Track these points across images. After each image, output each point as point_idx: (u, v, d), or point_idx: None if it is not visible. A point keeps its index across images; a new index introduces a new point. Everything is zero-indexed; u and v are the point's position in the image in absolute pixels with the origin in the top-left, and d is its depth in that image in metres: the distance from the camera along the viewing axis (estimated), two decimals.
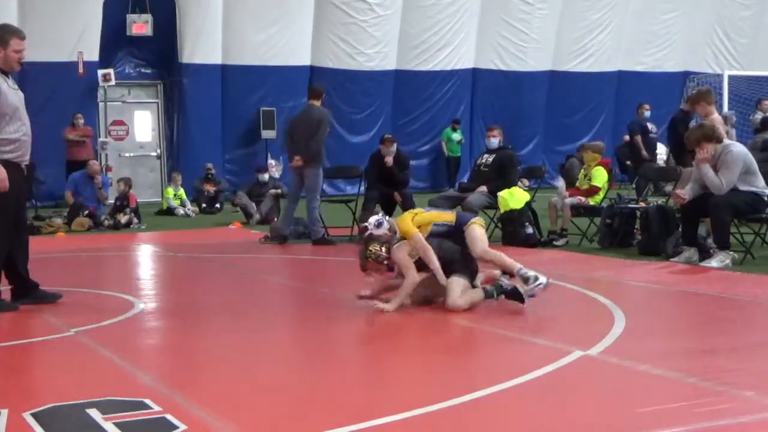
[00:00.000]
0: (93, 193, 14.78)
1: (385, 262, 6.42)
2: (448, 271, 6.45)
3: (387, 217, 6.64)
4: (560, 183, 11.22)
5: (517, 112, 22.62)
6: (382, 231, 6.44)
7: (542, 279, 6.46)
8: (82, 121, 17.88)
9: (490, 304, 6.43)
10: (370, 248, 6.39)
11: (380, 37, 21.49)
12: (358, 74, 21.46)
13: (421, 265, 6.52)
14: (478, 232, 6.63)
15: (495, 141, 11.42)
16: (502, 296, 6.42)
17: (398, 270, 6.53)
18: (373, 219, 6.54)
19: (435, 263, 6.44)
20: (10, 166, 6.41)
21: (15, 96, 6.50)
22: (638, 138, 16.56)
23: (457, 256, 6.57)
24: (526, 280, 6.47)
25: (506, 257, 6.70)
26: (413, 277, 6.39)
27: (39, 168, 15.22)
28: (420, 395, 4.18)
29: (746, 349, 5.04)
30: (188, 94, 20.09)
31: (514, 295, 6.38)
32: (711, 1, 24.45)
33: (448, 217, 6.75)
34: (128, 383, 4.56)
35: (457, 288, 6.36)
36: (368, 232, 6.43)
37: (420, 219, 6.63)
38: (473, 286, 6.50)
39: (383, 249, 6.38)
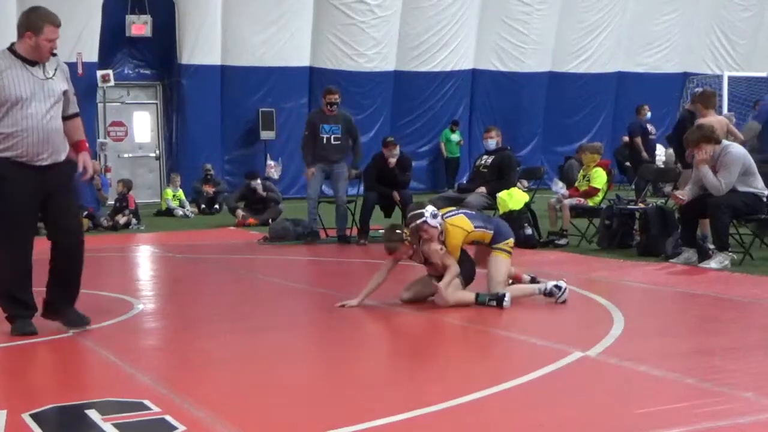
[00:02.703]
0: (92, 194, 14.77)
1: (407, 243, 6.53)
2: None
3: (441, 215, 6.66)
4: (560, 188, 11.20)
5: (516, 113, 22.64)
6: (436, 223, 6.50)
7: (563, 286, 6.62)
8: None
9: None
10: (407, 235, 6.50)
11: (380, 38, 21.49)
12: (358, 75, 21.46)
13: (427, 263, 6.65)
14: (503, 264, 6.62)
15: (492, 142, 11.43)
16: (494, 302, 6.42)
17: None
18: (430, 208, 6.57)
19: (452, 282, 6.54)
20: (16, 165, 5.62)
21: (31, 86, 5.65)
22: (638, 140, 16.56)
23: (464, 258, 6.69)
24: (550, 294, 6.59)
25: (526, 287, 6.79)
26: (458, 267, 6.49)
27: None
28: (420, 396, 4.18)
29: (745, 350, 5.04)
30: (187, 94, 20.09)
31: (498, 301, 6.43)
32: (710, 2, 24.46)
33: (486, 238, 6.74)
34: (127, 384, 4.56)
35: (455, 286, 6.46)
36: (423, 219, 6.44)
37: (472, 237, 6.67)
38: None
39: (406, 233, 6.53)
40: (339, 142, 11.46)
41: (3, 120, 5.61)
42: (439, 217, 6.55)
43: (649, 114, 17.21)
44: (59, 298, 5.85)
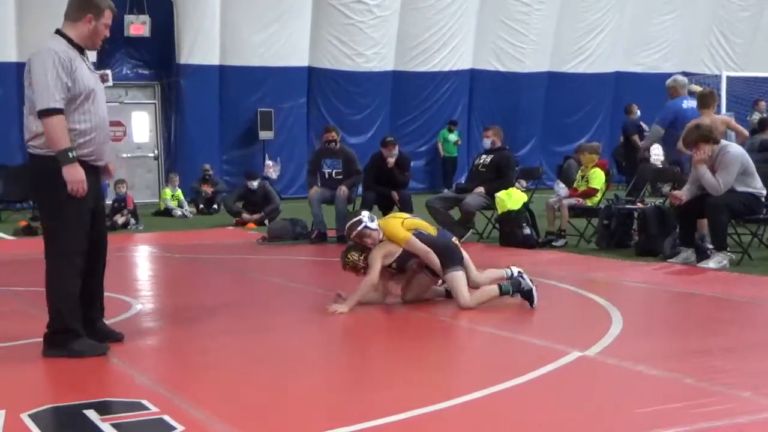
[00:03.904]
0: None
1: (362, 270, 6.53)
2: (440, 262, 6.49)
3: (375, 218, 6.69)
4: (562, 189, 11.21)
5: (514, 113, 22.63)
6: (375, 226, 6.53)
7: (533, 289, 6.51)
8: None
9: (490, 304, 6.44)
10: (348, 257, 6.56)
11: (378, 38, 21.49)
12: (357, 75, 21.46)
13: (403, 266, 6.59)
14: (461, 284, 6.41)
15: (488, 141, 11.46)
16: (518, 294, 6.39)
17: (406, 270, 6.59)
18: (366, 212, 6.61)
19: (436, 263, 6.46)
20: (84, 167, 5.06)
21: (93, 78, 5.20)
22: (636, 137, 16.51)
23: (449, 245, 6.58)
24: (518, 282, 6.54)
25: (488, 293, 6.53)
26: (372, 279, 6.42)
27: None
28: (419, 395, 4.18)
29: (744, 350, 5.05)
30: (186, 94, 20.08)
31: (527, 295, 6.37)
32: (708, 2, 24.47)
33: (431, 230, 6.81)
34: (126, 384, 4.57)
35: (462, 286, 6.37)
36: (363, 224, 6.47)
37: (409, 224, 6.67)
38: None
39: (361, 258, 6.51)
40: (340, 176, 11.82)
41: (74, 115, 5.05)
42: (375, 221, 6.59)
43: (638, 112, 17.17)
44: (89, 314, 5.34)
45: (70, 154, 4.97)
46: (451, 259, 6.47)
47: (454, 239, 6.76)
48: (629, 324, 5.76)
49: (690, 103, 11.21)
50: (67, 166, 4.97)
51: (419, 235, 6.59)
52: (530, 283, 6.41)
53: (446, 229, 7.44)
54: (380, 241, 6.53)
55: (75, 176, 4.99)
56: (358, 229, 6.50)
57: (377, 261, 6.43)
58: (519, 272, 6.59)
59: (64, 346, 5.08)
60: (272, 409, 4.06)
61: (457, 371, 4.85)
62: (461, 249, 6.67)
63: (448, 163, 22.32)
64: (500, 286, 6.42)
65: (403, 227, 6.59)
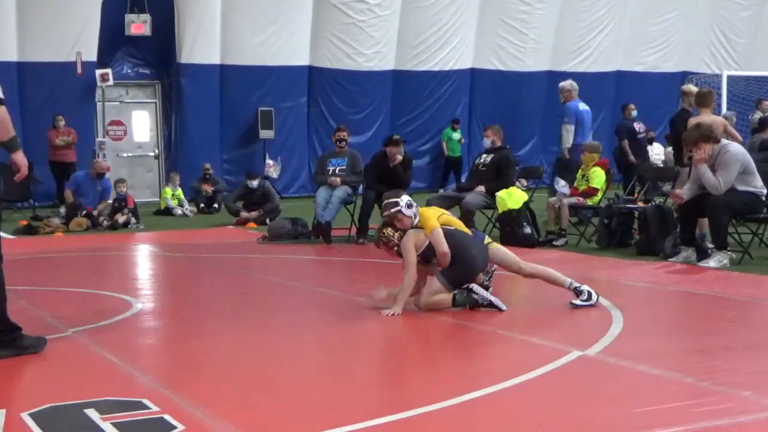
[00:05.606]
0: (95, 194, 14.74)
1: (395, 248, 6.48)
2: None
3: (416, 204, 6.63)
4: (563, 187, 11.20)
5: (515, 112, 22.60)
6: (411, 213, 6.48)
7: (594, 296, 6.41)
8: (63, 122, 17.79)
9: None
10: (384, 231, 6.52)
11: (379, 38, 21.48)
12: (357, 74, 21.45)
13: (427, 259, 6.49)
14: (432, 290, 6.38)
15: (488, 141, 11.46)
16: (477, 308, 6.31)
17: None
18: (406, 197, 6.54)
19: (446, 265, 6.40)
20: None
21: None
22: (626, 143, 16.43)
23: (465, 257, 6.44)
24: (579, 293, 6.46)
25: (555, 272, 6.68)
26: (411, 275, 6.31)
27: (36, 167, 15.20)
28: (419, 395, 4.18)
29: (744, 349, 5.05)
30: (186, 94, 20.07)
31: (491, 307, 6.29)
32: (709, 1, 24.46)
33: (466, 229, 6.73)
34: (126, 383, 4.57)
35: (429, 294, 6.34)
36: (398, 208, 6.45)
37: (445, 219, 6.62)
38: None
39: (396, 236, 6.45)
40: (343, 173, 12.00)
41: None
42: (414, 207, 6.54)
43: (635, 112, 17.14)
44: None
45: (18, 140, 5.04)
46: (456, 273, 6.34)
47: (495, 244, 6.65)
48: (629, 323, 5.76)
49: (583, 106, 11.59)
50: (19, 152, 5.04)
51: (454, 232, 6.47)
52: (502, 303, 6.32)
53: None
54: (413, 226, 6.45)
55: (25, 160, 5.05)
56: (392, 210, 6.47)
57: (412, 252, 6.32)
58: (590, 291, 6.45)
59: (13, 345, 5.10)
60: (272, 409, 4.06)
61: (457, 371, 4.85)
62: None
63: (452, 162, 22.24)
64: (454, 297, 6.31)
65: (439, 220, 6.50)
